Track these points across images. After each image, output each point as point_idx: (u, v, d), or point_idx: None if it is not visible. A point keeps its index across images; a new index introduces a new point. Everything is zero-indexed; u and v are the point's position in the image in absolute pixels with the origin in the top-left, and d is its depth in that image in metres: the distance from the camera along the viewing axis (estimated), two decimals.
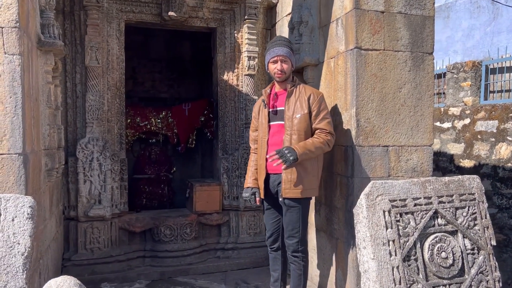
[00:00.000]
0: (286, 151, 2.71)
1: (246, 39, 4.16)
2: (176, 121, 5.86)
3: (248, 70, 4.17)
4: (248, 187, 3.04)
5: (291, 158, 2.69)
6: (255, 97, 4.20)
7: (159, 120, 5.84)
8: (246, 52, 4.16)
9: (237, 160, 4.17)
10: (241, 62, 4.23)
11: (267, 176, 2.96)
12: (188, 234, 3.99)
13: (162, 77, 6.38)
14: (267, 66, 3.00)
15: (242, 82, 4.23)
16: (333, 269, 3.21)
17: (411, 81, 3.01)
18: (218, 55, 4.28)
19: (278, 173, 2.88)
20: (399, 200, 2.77)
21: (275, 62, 2.90)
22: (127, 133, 5.69)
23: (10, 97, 2.24)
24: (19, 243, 2.06)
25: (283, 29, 4.05)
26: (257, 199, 3.00)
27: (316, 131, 2.85)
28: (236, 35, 4.22)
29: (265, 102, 2.98)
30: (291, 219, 2.89)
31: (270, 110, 2.97)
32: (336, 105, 3.13)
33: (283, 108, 2.90)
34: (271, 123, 2.95)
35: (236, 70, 4.24)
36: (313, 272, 3.54)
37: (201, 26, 4.23)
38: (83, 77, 3.74)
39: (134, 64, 6.26)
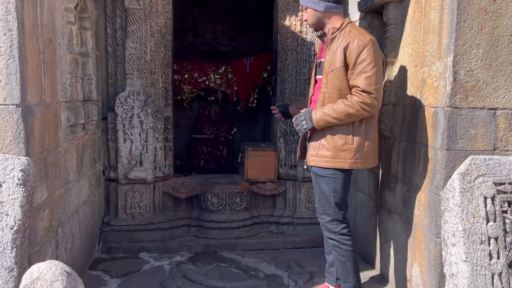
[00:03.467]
0: (301, 118, 2.32)
1: None
2: (236, 77, 5.33)
3: None
4: None
5: (304, 127, 2.31)
6: None
7: (218, 76, 5.35)
8: None
9: None
10: None
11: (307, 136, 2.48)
12: (237, 204, 3.52)
13: (224, 29, 5.82)
14: None
15: (306, 28, 3.52)
16: (407, 263, 2.55)
17: None
18: None
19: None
20: (508, 183, 2.03)
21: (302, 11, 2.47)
22: (185, 89, 5.29)
23: (4, 35, 1.82)
24: (7, 214, 1.68)
25: None
26: None
27: (352, 90, 2.24)
28: None
29: (314, 53, 2.51)
30: (322, 191, 2.36)
31: (317, 61, 2.45)
32: (424, 52, 2.36)
33: (323, 60, 2.36)
34: (317, 77, 2.43)
35: (300, 13, 3.53)
36: (380, 260, 2.91)
37: None
38: (123, 22, 3.29)
39: (195, 14, 5.76)
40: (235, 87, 5.37)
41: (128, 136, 3.31)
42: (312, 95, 2.44)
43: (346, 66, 2.21)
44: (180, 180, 3.64)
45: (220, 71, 5.33)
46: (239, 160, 3.87)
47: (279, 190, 3.65)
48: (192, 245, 3.34)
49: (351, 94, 2.22)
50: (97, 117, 3.05)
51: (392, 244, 2.75)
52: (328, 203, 2.32)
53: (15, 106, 1.86)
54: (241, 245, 3.39)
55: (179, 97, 5.14)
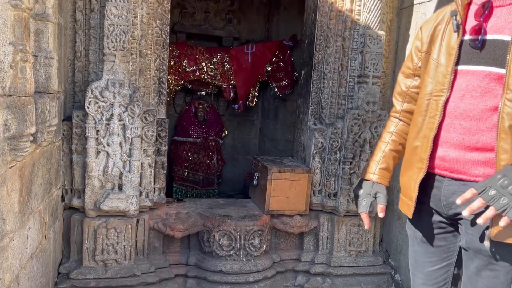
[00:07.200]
0: (504, 182, 1.13)
1: None
2: (235, 68, 4.30)
3: None
4: (367, 180, 1.52)
5: None
6: (382, 33, 2.54)
7: (212, 66, 4.29)
8: None
9: (340, 134, 2.59)
10: None
11: (427, 176, 1.36)
12: (256, 248, 2.51)
13: (218, 8, 4.74)
14: None
15: (361, 5, 2.55)
16: None
17: None
18: None
19: (461, 179, 1.29)
20: None
21: None
22: (169, 80, 4.20)
23: None
24: None
25: None
26: (380, 207, 1.48)
27: None
28: None
29: (457, 19, 1.31)
30: (492, 285, 1.32)
31: (468, 37, 1.30)
32: None
33: (506, 37, 1.22)
34: (461, 67, 1.30)
35: None
36: None
37: None
38: None
39: None
40: (232, 81, 4.34)
41: (104, 147, 2.22)
42: (447, 100, 1.33)
43: None
44: (173, 209, 2.58)
45: (215, 60, 4.29)
46: (254, 182, 2.85)
47: (310, 226, 2.67)
48: None
49: None
50: (58, 118, 1.94)
51: None
52: None
53: None
54: None
55: None
